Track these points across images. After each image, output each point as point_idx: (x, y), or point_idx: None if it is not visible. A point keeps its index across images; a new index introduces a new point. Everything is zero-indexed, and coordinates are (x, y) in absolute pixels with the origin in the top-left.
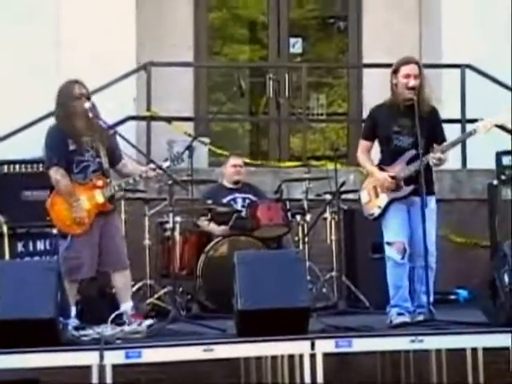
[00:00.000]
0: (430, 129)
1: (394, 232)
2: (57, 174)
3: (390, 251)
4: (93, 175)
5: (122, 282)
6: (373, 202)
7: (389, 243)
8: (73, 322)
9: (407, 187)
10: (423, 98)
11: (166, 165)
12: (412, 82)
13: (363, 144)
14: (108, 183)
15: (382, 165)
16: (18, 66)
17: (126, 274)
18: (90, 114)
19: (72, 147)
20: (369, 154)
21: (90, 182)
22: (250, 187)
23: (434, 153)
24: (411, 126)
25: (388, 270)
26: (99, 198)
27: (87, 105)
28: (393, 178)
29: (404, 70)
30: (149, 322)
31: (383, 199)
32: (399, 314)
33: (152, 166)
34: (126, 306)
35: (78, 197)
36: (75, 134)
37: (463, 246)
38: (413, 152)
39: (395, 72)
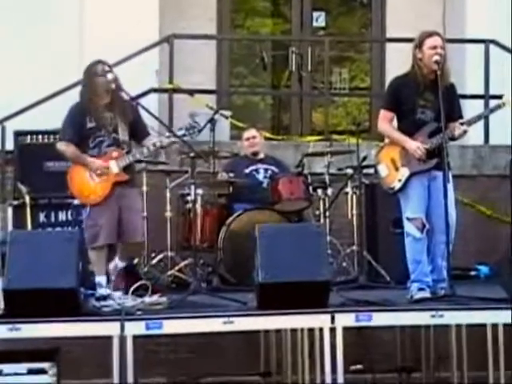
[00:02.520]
0: (449, 103)
1: (413, 207)
2: (62, 146)
3: (409, 227)
4: (107, 149)
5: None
6: (392, 176)
7: (408, 219)
8: (104, 291)
9: (432, 160)
10: (445, 71)
11: (180, 133)
12: (438, 55)
13: (386, 114)
14: (123, 154)
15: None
16: (41, 37)
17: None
18: (113, 86)
19: (90, 124)
20: (392, 124)
21: (105, 155)
22: (273, 160)
23: (460, 125)
24: (434, 99)
25: (407, 245)
26: (114, 168)
27: (110, 76)
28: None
29: (429, 42)
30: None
31: (404, 172)
32: (420, 290)
33: (167, 134)
34: (117, 263)
35: (85, 156)
36: (95, 111)
37: (486, 220)
38: (434, 125)
39: (420, 46)
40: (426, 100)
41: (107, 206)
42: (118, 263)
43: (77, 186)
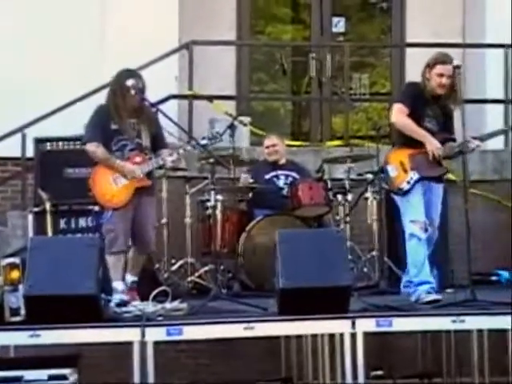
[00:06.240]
0: (449, 124)
1: (417, 210)
2: (92, 146)
3: (413, 228)
4: (130, 153)
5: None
6: (402, 177)
7: (412, 221)
8: (120, 297)
9: (441, 168)
10: (455, 94)
11: (202, 142)
12: (442, 85)
13: (403, 109)
14: (146, 159)
15: (409, 142)
16: (62, 45)
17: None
18: (140, 103)
19: (114, 126)
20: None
21: (128, 159)
22: (294, 165)
23: (473, 139)
24: (439, 114)
25: (410, 247)
26: (138, 173)
27: (140, 94)
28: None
29: (439, 68)
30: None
31: (413, 175)
32: (428, 293)
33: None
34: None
35: (115, 159)
36: (121, 115)
37: (506, 225)
38: (442, 136)
39: (430, 67)
40: (432, 111)
41: (126, 213)
42: (128, 278)
43: (100, 188)
